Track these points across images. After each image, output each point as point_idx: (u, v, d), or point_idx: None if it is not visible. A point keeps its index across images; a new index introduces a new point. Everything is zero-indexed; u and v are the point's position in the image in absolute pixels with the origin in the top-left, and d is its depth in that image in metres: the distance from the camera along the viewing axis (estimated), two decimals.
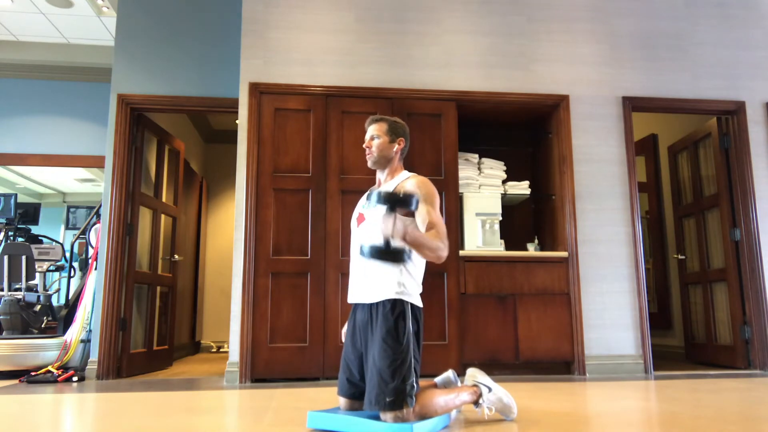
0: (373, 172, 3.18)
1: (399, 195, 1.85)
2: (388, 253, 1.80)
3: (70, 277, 4.79)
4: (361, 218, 2.20)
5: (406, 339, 1.98)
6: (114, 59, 4.19)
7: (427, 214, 2.03)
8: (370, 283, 2.10)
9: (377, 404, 1.91)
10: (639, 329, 3.87)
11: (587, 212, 3.98)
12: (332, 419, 2.01)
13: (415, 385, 1.95)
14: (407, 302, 2.05)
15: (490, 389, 2.17)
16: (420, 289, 2.14)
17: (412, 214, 2.08)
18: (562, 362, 3.83)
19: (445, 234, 1.98)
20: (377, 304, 2.06)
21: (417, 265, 2.14)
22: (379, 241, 1.84)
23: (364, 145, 2.26)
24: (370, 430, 1.91)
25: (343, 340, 2.28)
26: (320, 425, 2.02)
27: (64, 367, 3.89)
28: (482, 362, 3.67)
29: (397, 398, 1.90)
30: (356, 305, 2.20)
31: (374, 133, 2.23)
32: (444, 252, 1.94)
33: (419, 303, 2.11)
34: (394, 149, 2.23)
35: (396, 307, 2.02)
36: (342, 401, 2.15)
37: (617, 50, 4.24)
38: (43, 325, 4.26)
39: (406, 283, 2.07)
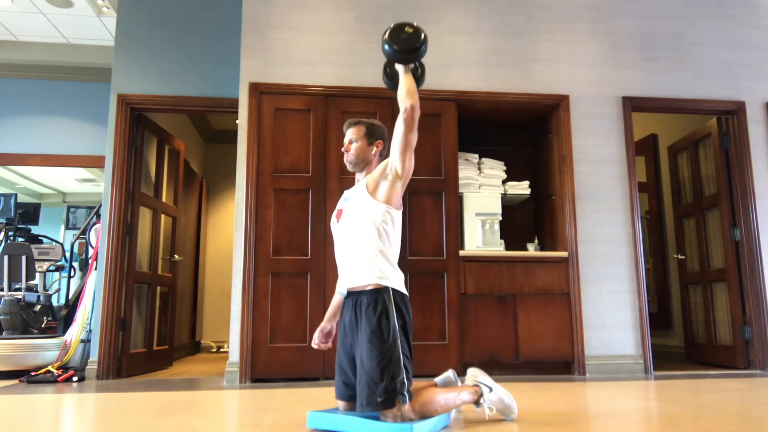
0: None
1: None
2: (423, 38, 2.16)
3: (70, 277, 4.79)
4: (340, 214, 2.22)
5: (391, 336, 1.98)
6: (114, 59, 4.19)
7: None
8: (353, 269, 2.11)
9: (369, 405, 1.91)
10: (639, 329, 3.87)
11: (587, 212, 3.98)
12: (332, 419, 2.01)
13: (406, 381, 1.95)
14: (390, 292, 2.04)
15: (491, 389, 2.17)
16: (401, 276, 2.13)
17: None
18: (562, 362, 3.83)
19: (413, 134, 2.11)
20: (361, 300, 2.07)
21: (393, 249, 2.14)
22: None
23: (342, 149, 2.28)
24: (370, 429, 1.91)
25: (315, 342, 2.29)
26: (320, 425, 2.02)
27: (64, 367, 3.89)
28: (482, 362, 3.67)
29: (388, 397, 1.90)
30: (344, 307, 2.20)
31: (352, 137, 2.25)
32: (417, 99, 2.10)
33: (403, 289, 2.10)
34: (373, 152, 2.25)
35: (378, 304, 2.02)
36: (340, 404, 2.15)
37: (617, 50, 4.24)
38: (43, 325, 4.26)
39: (384, 269, 2.07)
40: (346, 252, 2.16)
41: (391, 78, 2.32)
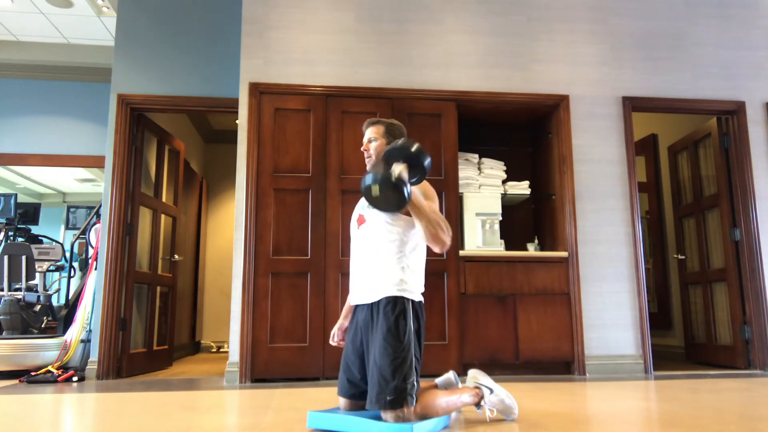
0: None
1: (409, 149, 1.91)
2: (392, 185, 1.83)
3: (70, 277, 4.79)
4: (361, 219, 2.20)
5: (407, 338, 1.98)
6: (114, 59, 4.19)
7: (428, 207, 2.01)
8: (371, 282, 2.10)
9: (377, 403, 1.92)
10: (639, 329, 3.87)
11: (587, 212, 3.98)
12: (332, 419, 2.01)
13: (415, 384, 1.95)
14: (408, 300, 2.05)
15: (492, 391, 2.17)
16: (422, 284, 2.14)
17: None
18: (562, 362, 3.83)
19: (448, 225, 2.00)
20: (378, 302, 2.07)
21: (419, 259, 2.14)
22: (384, 173, 1.87)
23: (362, 149, 2.27)
24: (370, 430, 1.91)
25: (334, 340, 2.30)
26: (320, 425, 2.02)
27: (64, 367, 3.89)
28: (482, 362, 3.67)
29: (398, 397, 1.90)
30: (357, 306, 2.20)
31: (372, 136, 2.24)
32: (445, 236, 1.96)
33: (420, 298, 2.11)
34: None
35: (396, 305, 2.02)
36: (342, 401, 2.15)
37: (617, 50, 4.24)
38: (43, 325, 4.26)
39: (407, 279, 2.07)
40: (366, 260, 2.15)
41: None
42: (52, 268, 4.78)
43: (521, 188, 4.16)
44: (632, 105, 4.17)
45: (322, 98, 3.89)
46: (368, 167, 2.24)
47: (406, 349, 1.97)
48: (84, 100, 5.60)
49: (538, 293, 3.82)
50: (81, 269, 4.75)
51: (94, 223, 4.58)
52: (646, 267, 4.61)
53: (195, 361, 5.24)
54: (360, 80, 3.94)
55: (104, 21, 5.13)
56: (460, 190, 3.96)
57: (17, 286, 4.29)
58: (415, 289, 2.09)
